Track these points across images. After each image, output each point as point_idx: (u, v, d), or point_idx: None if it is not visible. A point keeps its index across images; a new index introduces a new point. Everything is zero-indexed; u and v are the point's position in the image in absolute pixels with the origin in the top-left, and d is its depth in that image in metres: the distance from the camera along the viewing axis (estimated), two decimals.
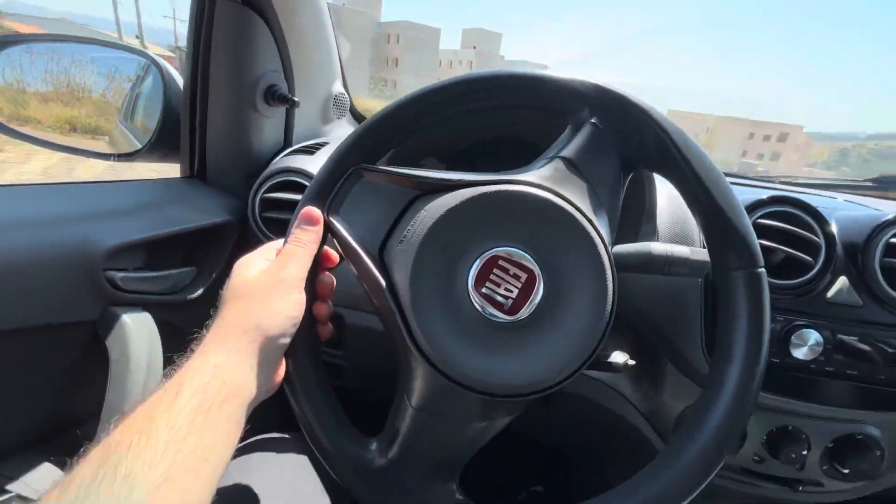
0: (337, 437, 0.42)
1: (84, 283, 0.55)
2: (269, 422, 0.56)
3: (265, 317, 0.38)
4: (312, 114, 0.94)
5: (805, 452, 0.65)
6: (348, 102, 1.01)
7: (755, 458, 0.68)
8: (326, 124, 0.98)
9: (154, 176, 0.85)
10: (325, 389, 0.43)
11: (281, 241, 0.44)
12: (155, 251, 0.67)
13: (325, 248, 0.45)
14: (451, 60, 52.17)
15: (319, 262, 0.44)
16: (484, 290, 0.39)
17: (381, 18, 53.76)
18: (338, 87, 0.97)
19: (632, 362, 0.59)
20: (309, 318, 0.42)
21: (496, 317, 0.39)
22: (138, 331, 0.58)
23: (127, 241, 0.59)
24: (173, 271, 0.68)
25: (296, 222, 0.42)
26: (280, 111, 0.86)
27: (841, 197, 0.92)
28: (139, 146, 0.83)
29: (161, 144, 0.83)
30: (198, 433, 0.31)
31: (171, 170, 0.87)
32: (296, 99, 0.81)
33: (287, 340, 0.39)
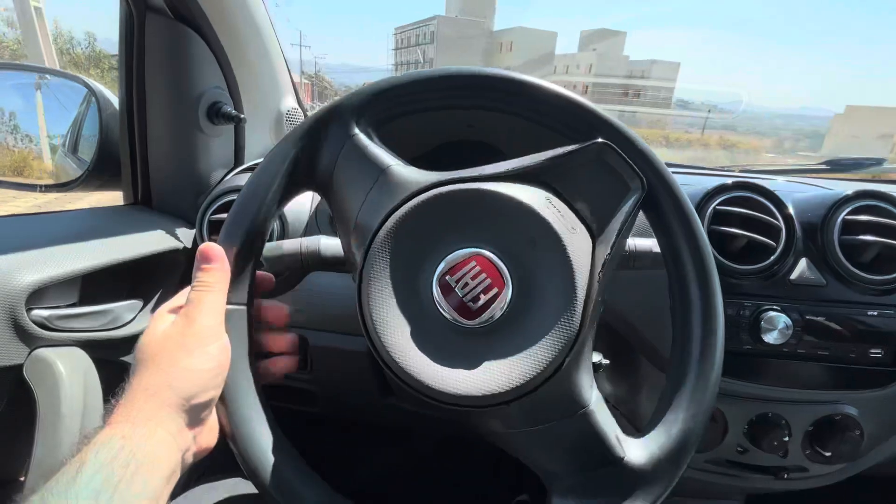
0: (292, 490, 0.38)
1: (4, 325, 0.50)
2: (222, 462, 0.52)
3: (176, 377, 0.34)
4: (265, 130, 0.91)
5: (786, 438, 0.64)
6: (302, 116, 0.98)
7: (738, 448, 0.67)
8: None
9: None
10: (275, 436, 0.39)
11: (177, 298, 0.40)
12: (93, 285, 0.62)
13: (258, 273, 0.42)
14: (568, 65, 47.10)
15: (253, 293, 0.40)
16: (449, 294, 0.37)
17: (494, 27, 51.93)
18: (290, 102, 0.94)
19: (606, 362, 0.58)
20: (249, 360, 0.39)
21: (461, 322, 0.37)
22: (71, 372, 0.53)
23: (55, 276, 0.54)
24: (113, 305, 0.63)
25: (195, 264, 0.38)
26: (228, 129, 0.82)
27: (781, 178, 0.93)
28: (77, 175, 0.78)
29: (101, 172, 0.78)
30: None
31: None
32: (243, 115, 0.78)
33: (210, 395, 0.35)
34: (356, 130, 0.41)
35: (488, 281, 0.37)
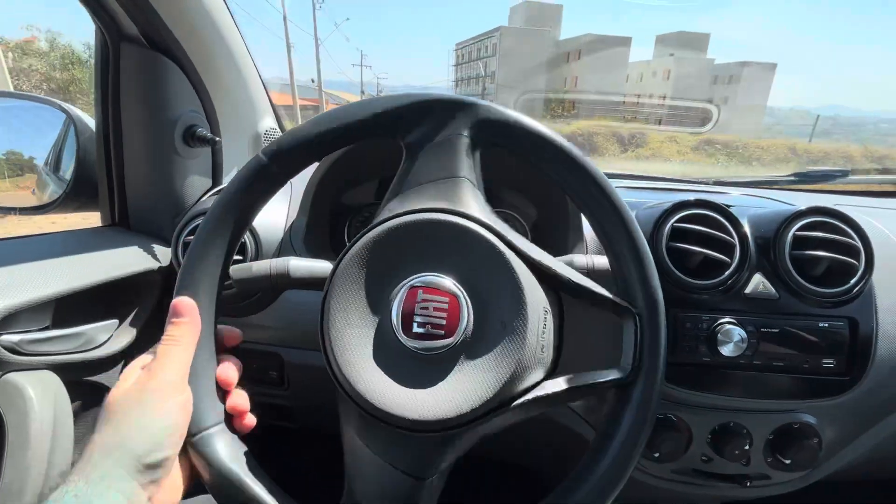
0: None
1: None
2: None
3: (129, 435, 0.34)
4: (243, 151, 0.93)
5: (748, 447, 0.66)
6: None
7: (703, 457, 0.68)
8: None
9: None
10: (257, 477, 0.39)
11: (144, 357, 0.40)
12: (66, 307, 0.63)
13: (223, 327, 0.43)
14: (643, 73, 40.57)
15: (219, 349, 0.41)
16: (408, 319, 0.38)
17: (560, 36, 47.27)
18: (268, 123, 0.96)
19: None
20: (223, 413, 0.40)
21: (428, 348, 0.38)
22: (41, 396, 0.54)
23: (27, 301, 0.55)
24: (87, 327, 0.64)
25: (167, 318, 0.39)
26: (205, 151, 0.84)
27: (735, 192, 0.96)
28: (54, 199, 0.79)
29: (78, 194, 0.79)
30: None
31: None
32: (218, 138, 0.80)
33: (164, 454, 0.35)
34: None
35: (446, 308, 0.38)
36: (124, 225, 0.81)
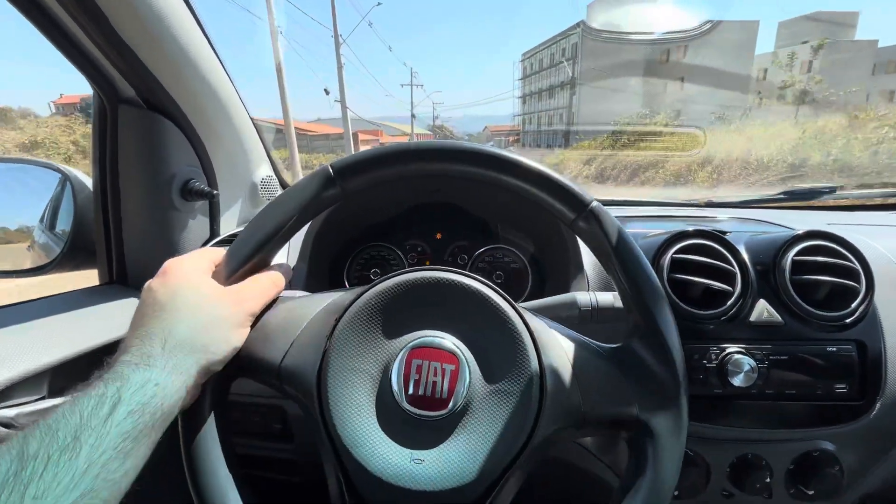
0: None
1: None
2: None
3: (216, 342, 0.36)
4: (239, 201, 0.93)
5: (768, 479, 0.64)
6: (277, 183, 1.00)
7: (723, 493, 0.66)
8: (256, 208, 0.97)
9: None
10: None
11: (220, 249, 0.44)
12: (64, 374, 0.61)
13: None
14: (766, 68, 27.19)
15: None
16: (408, 383, 0.38)
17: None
18: (264, 171, 0.98)
19: None
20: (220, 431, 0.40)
21: (422, 414, 0.38)
22: None
23: (22, 373, 0.54)
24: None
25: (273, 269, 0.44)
26: (203, 203, 0.84)
27: (726, 215, 0.97)
28: (51, 259, 0.79)
29: (75, 253, 0.79)
30: (120, 460, 0.29)
31: None
32: (215, 192, 0.80)
33: (218, 368, 0.38)
34: None
35: (448, 374, 0.38)
36: (122, 282, 0.80)
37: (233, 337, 0.38)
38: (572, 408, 0.39)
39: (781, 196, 1.16)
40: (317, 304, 0.44)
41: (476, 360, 0.39)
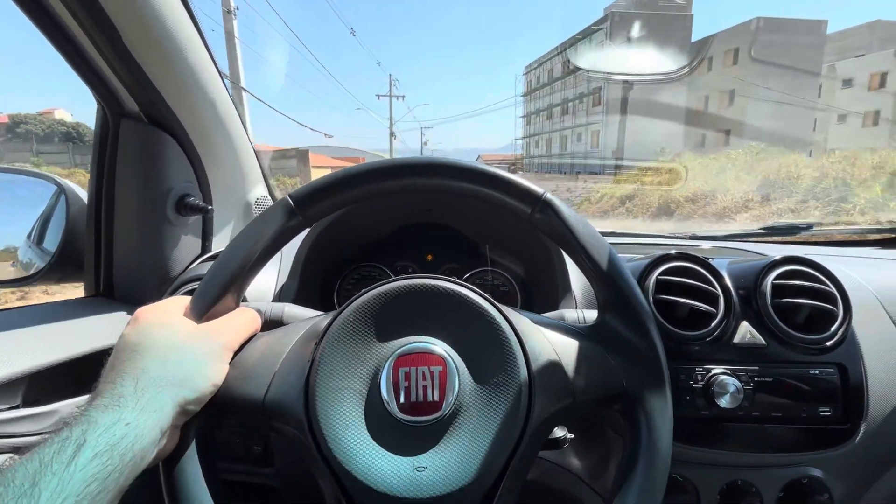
0: None
1: None
2: None
3: (193, 378, 0.35)
4: (234, 218, 0.94)
5: None
6: (271, 203, 1.02)
7: None
8: None
9: None
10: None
11: (188, 297, 0.43)
12: (39, 384, 0.59)
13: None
14: (821, 84, 20.76)
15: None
16: (398, 391, 0.38)
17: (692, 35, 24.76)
18: (260, 191, 0.99)
19: (570, 436, 0.57)
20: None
21: (416, 421, 0.38)
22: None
23: None
24: (59, 404, 0.60)
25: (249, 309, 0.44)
26: (196, 219, 0.85)
27: (707, 245, 1.01)
28: (39, 269, 0.78)
29: (63, 265, 0.78)
30: None
31: None
32: (210, 207, 0.81)
33: (196, 408, 0.36)
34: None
35: (437, 377, 0.38)
36: (108, 295, 0.79)
37: (210, 372, 0.37)
38: (563, 390, 0.41)
39: (761, 231, 1.21)
40: (295, 333, 0.44)
41: (463, 359, 0.40)
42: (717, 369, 0.61)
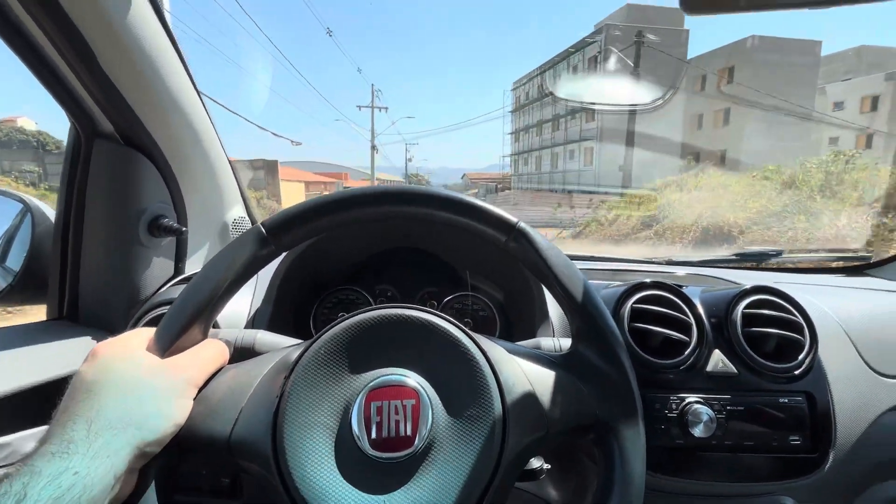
0: None
1: None
2: None
3: (151, 417, 0.33)
4: (209, 240, 0.92)
5: None
6: (249, 224, 1.00)
7: None
8: None
9: None
10: None
11: (151, 329, 0.41)
12: None
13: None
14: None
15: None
16: (370, 426, 0.37)
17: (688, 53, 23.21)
18: (237, 212, 0.97)
19: (547, 466, 0.57)
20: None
21: (388, 457, 0.37)
22: None
23: None
24: (13, 437, 0.57)
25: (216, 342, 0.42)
26: (170, 240, 0.83)
27: (682, 271, 1.03)
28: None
29: (25, 287, 0.75)
30: None
31: None
32: (184, 228, 0.79)
33: (156, 450, 0.34)
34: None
35: (410, 411, 0.37)
36: (72, 318, 0.76)
37: (173, 410, 0.35)
38: (537, 421, 0.40)
39: (734, 257, 1.24)
40: (264, 366, 0.42)
41: (436, 391, 0.39)
42: (690, 398, 0.62)
